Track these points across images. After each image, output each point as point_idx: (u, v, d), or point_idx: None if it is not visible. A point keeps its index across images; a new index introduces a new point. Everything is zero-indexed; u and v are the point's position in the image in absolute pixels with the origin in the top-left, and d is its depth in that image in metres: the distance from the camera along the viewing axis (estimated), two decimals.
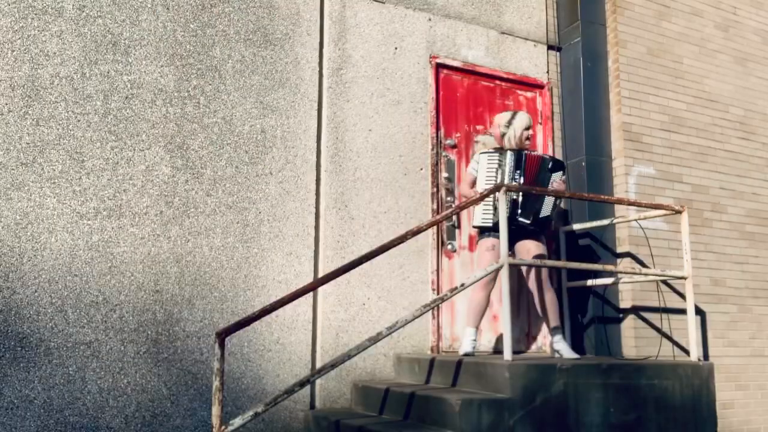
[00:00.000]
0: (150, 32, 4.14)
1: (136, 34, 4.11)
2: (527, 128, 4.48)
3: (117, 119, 3.98)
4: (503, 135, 4.50)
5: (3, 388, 3.50)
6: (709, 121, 5.80)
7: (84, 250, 3.78)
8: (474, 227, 4.52)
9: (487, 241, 4.44)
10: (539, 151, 4.55)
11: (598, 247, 5.14)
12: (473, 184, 4.57)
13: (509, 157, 4.42)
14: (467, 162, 5.09)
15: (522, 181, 4.40)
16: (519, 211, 4.41)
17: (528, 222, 4.39)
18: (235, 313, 4.11)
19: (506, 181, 4.39)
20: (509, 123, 4.49)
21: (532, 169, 4.42)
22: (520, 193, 4.34)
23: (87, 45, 3.96)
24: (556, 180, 4.44)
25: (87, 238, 3.79)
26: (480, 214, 4.47)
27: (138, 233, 3.93)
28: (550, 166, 4.44)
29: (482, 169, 4.48)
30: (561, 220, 5.29)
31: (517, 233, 4.51)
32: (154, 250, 3.95)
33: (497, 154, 4.46)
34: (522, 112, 4.54)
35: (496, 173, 4.43)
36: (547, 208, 4.42)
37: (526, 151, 4.46)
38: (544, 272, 4.49)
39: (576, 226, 5.16)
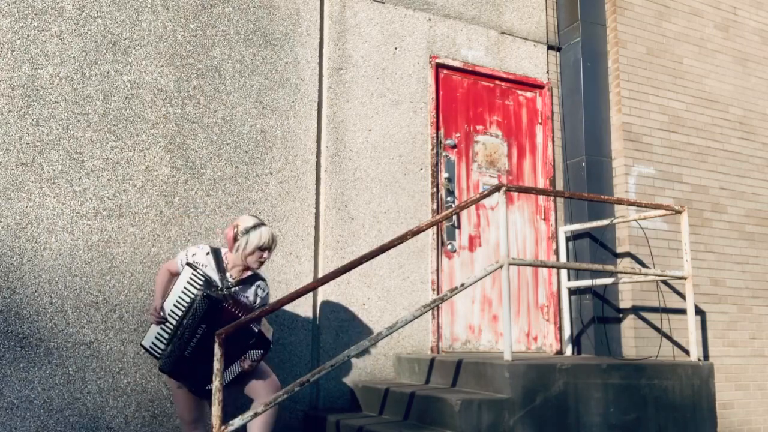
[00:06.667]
0: (150, 32, 4.14)
1: (136, 34, 4.10)
2: (262, 249, 3.35)
3: (117, 119, 3.98)
4: (235, 239, 3.34)
5: (3, 388, 3.50)
6: (708, 121, 5.80)
7: (84, 250, 3.78)
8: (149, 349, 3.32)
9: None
10: (270, 294, 3.44)
11: (598, 247, 5.14)
12: (170, 281, 3.42)
13: (199, 303, 3.14)
14: (467, 162, 5.09)
15: (194, 343, 3.18)
16: (185, 362, 3.20)
17: (192, 390, 3.27)
18: None
19: (184, 332, 3.19)
20: (247, 230, 3.33)
21: (225, 327, 2.97)
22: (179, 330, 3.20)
23: (87, 45, 3.96)
24: (255, 359, 3.27)
25: (87, 238, 3.79)
26: (153, 332, 3.29)
27: (138, 233, 3.92)
28: (252, 341, 3.21)
29: (179, 283, 3.25)
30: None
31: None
32: (154, 251, 3.95)
33: (203, 279, 3.23)
34: (268, 230, 3.38)
35: (186, 307, 3.21)
36: (230, 374, 3.23)
37: (232, 298, 3.27)
38: (262, 391, 3.35)
39: (576, 226, 5.16)
